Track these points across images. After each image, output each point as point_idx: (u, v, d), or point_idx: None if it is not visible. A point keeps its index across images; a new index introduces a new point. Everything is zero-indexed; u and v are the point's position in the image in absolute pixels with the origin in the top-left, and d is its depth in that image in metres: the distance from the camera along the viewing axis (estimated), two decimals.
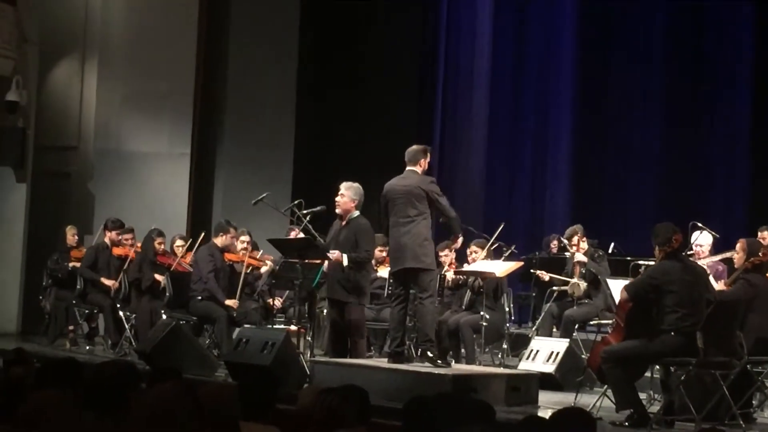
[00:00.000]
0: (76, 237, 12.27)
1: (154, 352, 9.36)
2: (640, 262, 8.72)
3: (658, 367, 7.87)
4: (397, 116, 15.35)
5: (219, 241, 10.77)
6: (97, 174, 13.93)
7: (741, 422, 7.25)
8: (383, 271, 10.70)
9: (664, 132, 14.78)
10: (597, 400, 7.82)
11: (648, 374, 8.10)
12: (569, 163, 15.43)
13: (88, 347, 11.67)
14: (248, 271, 10.97)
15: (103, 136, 13.98)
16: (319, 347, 10.32)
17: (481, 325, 9.78)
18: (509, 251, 10.74)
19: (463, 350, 10.16)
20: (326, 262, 8.97)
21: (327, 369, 8.50)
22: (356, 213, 8.96)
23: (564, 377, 9.35)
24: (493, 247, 10.63)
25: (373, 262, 10.37)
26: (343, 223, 8.97)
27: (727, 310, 7.55)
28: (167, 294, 10.87)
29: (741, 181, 14.30)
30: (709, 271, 8.76)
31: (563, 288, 10.66)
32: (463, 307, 10.41)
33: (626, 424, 7.30)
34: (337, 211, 9.01)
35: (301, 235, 9.27)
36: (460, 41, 15.91)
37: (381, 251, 10.79)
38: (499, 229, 10.58)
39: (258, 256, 11.16)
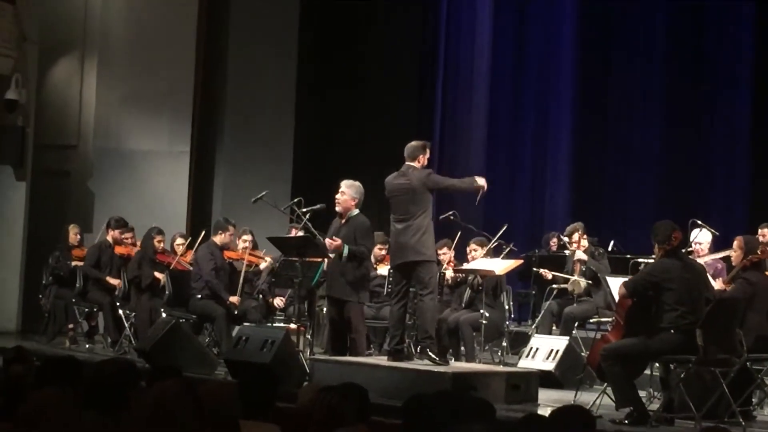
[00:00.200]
0: (79, 236, 12.27)
1: (154, 350, 9.37)
2: (640, 260, 8.73)
3: (657, 364, 7.88)
4: (396, 116, 15.34)
5: (218, 239, 10.78)
6: (97, 172, 13.94)
7: (741, 420, 7.25)
8: (383, 270, 10.71)
9: (664, 131, 14.77)
10: (597, 398, 7.82)
11: (648, 372, 8.10)
12: (569, 162, 15.43)
13: (87, 345, 11.68)
14: (249, 268, 10.98)
15: (102, 134, 13.98)
16: (319, 345, 10.33)
17: (480, 323, 9.78)
18: (508, 249, 10.74)
19: (462, 348, 10.16)
20: (326, 261, 8.97)
21: (326, 367, 8.51)
22: (356, 211, 8.97)
23: (564, 375, 9.36)
24: (494, 246, 10.64)
25: (373, 260, 10.38)
26: (343, 221, 8.98)
27: (727, 308, 7.55)
28: (167, 292, 10.87)
29: (741, 181, 14.29)
30: (708, 269, 8.77)
31: (563, 286, 10.67)
32: (463, 305, 10.41)
33: (626, 421, 7.30)
34: (337, 209, 9.01)
35: (301, 233, 9.28)
36: (460, 41, 15.90)
37: (380, 249, 10.80)
38: (502, 231, 10.58)
39: (258, 254, 11.17)
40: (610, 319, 9.08)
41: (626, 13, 15.04)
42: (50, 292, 12.07)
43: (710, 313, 7.38)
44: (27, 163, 13.40)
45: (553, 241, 13.05)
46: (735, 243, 8.10)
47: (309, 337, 9.53)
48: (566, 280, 10.54)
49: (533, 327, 10.91)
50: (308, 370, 8.64)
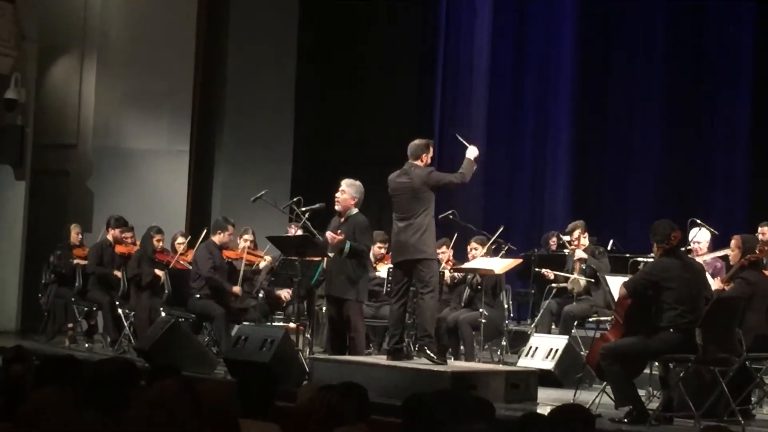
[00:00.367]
0: (80, 235, 12.27)
1: (153, 349, 9.37)
2: (639, 259, 8.73)
3: (657, 363, 7.88)
4: (396, 115, 15.35)
5: (217, 238, 10.78)
6: (96, 172, 13.94)
7: (740, 419, 7.25)
8: (382, 269, 10.72)
9: (664, 131, 14.77)
10: (596, 397, 7.82)
11: (647, 371, 8.10)
12: (569, 162, 15.43)
13: (87, 345, 11.68)
14: (248, 267, 10.99)
15: (102, 133, 13.98)
16: (318, 344, 10.33)
17: (480, 322, 9.79)
18: (506, 248, 10.75)
19: (462, 347, 10.17)
20: (325, 260, 8.96)
21: (326, 366, 8.51)
22: (355, 210, 8.98)
23: (563, 374, 9.36)
24: (493, 247, 10.64)
25: (372, 259, 10.39)
26: (342, 219, 8.98)
27: (726, 307, 7.56)
28: (166, 291, 10.88)
29: (740, 180, 14.29)
30: (708, 268, 8.77)
31: (562, 285, 10.68)
32: (462, 304, 10.42)
33: (625, 420, 7.30)
34: (337, 207, 9.02)
35: (300, 232, 9.28)
36: (460, 41, 15.90)
37: (380, 248, 10.81)
38: (499, 232, 10.59)
39: (255, 252, 11.17)
40: (609, 318, 9.09)
41: (626, 13, 15.04)
42: (50, 291, 12.07)
43: (709, 312, 7.38)
44: (26, 162, 13.40)
45: (553, 241, 13.06)
46: (732, 242, 8.10)
47: (308, 336, 9.54)
48: (567, 279, 10.54)
49: (532, 326, 10.92)
50: (307, 369, 8.64)
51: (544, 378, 8.89)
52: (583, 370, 8.72)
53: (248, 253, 10.99)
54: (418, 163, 8.45)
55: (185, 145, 14.11)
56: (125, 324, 11.14)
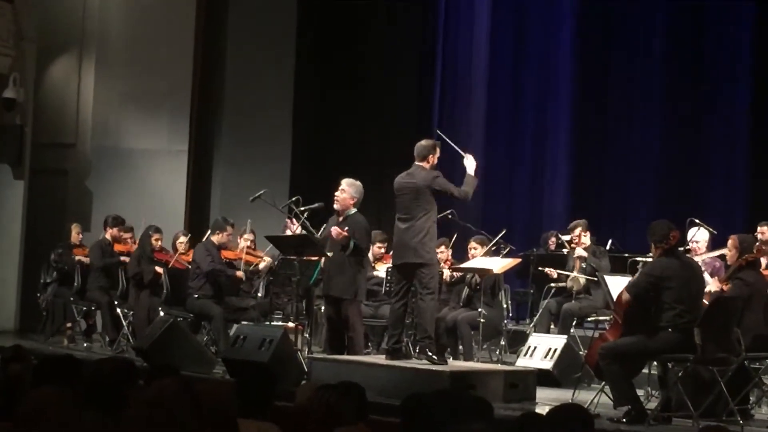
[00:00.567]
0: (81, 235, 12.27)
1: (152, 349, 9.36)
2: (638, 258, 8.73)
3: (655, 363, 7.88)
4: (395, 115, 15.35)
5: (216, 238, 10.79)
6: (95, 171, 13.93)
7: (739, 418, 7.25)
8: (381, 268, 10.72)
9: (664, 131, 14.77)
10: (595, 397, 7.82)
11: (646, 371, 8.10)
12: (568, 161, 15.43)
13: (85, 344, 11.68)
14: (248, 267, 10.99)
15: (100, 133, 13.98)
16: (317, 344, 10.33)
17: (478, 321, 9.78)
18: (507, 249, 10.75)
19: (460, 347, 10.16)
20: (323, 259, 8.94)
21: (325, 366, 8.50)
22: (353, 210, 8.97)
23: (562, 374, 9.36)
24: (493, 248, 10.64)
25: (371, 258, 10.38)
26: (340, 219, 8.98)
27: (725, 307, 7.56)
28: (165, 291, 10.87)
29: (740, 180, 14.29)
30: (707, 268, 8.78)
31: (561, 284, 10.68)
32: (461, 303, 10.41)
33: (624, 420, 7.30)
34: (335, 206, 9.01)
35: (299, 231, 9.28)
36: (459, 40, 15.89)
37: (379, 248, 10.81)
38: (501, 235, 10.59)
39: (258, 253, 11.17)
40: (608, 318, 9.09)
41: (626, 13, 15.04)
42: (50, 290, 12.07)
43: (708, 312, 7.38)
44: (25, 161, 13.40)
45: (552, 240, 13.06)
46: (729, 242, 8.09)
47: (307, 335, 9.53)
48: (561, 277, 10.55)
49: (531, 326, 10.92)
50: (306, 369, 8.64)
51: (542, 378, 8.89)
52: (582, 369, 8.72)
53: (247, 253, 10.99)
54: (424, 164, 8.42)
55: (184, 145, 14.11)
56: (124, 323, 11.14)
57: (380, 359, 8.66)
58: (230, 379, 8.42)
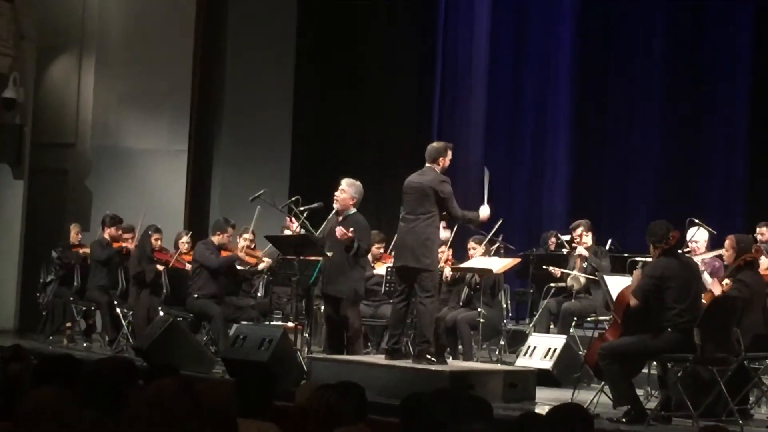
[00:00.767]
0: (80, 235, 12.27)
1: (152, 348, 9.36)
2: (638, 258, 8.73)
3: (655, 363, 7.88)
4: (395, 115, 15.35)
5: (216, 239, 10.79)
6: (95, 171, 13.94)
7: (738, 418, 7.26)
8: (380, 268, 10.72)
9: (663, 131, 14.76)
10: (594, 397, 7.82)
11: (645, 370, 8.11)
12: (568, 161, 15.42)
13: (85, 344, 11.68)
14: (247, 267, 11.00)
15: (100, 133, 13.98)
16: (317, 344, 10.33)
17: (478, 321, 9.79)
18: (503, 247, 10.74)
19: (460, 347, 10.16)
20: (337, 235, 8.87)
21: (324, 365, 8.51)
22: (353, 210, 8.97)
23: (561, 374, 9.36)
24: (494, 247, 10.63)
25: (370, 258, 10.38)
26: (340, 218, 8.97)
27: (724, 307, 7.56)
28: (164, 290, 10.87)
29: (739, 180, 14.28)
30: (706, 268, 8.78)
31: (561, 284, 10.68)
32: (461, 303, 10.41)
33: (623, 420, 7.30)
34: (335, 206, 9.01)
35: (299, 230, 9.28)
36: (459, 40, 15.89)
37: (378, 248, 10.80)
38: (497, 225, 10.58)
39: (258, 254, 11.17)
40: (607, 318, 9.09)
41: (626, 13, 15.03)
42: (50, 290, 12.07)
43: (708, 312, 7.39)
44: (24, 161, 13.41)
45: (552, 241, 13.05)
46: (727, 242, 8.09)
47: (307, 335, 9.53)
48: (565, 276, 10.55)
49: (531, 325, 10.92)
50: (306, 369, 8.64)
51: (542, 377, 8.89)
52: (582, 369, 8.72)
53: (247, 253, 10.99)
54: (435, 166, 8.40)
55: (184, 145, 14.11)
56: (123, 323, 11.14)
57: (380, 359, 8.66)
58: (230, 379, 8.42)
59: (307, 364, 8.71)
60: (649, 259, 7.82)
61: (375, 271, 10.74)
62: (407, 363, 8.31)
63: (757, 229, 10.38)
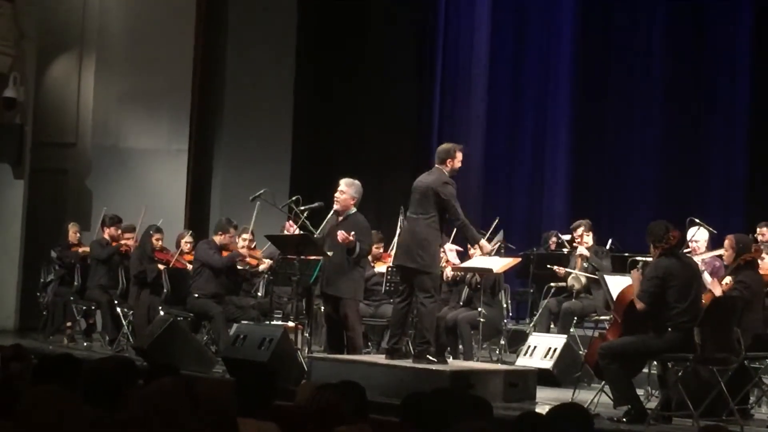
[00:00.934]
0: (78, 234, 12.27)
1: (152, 348, 9.37)
2: (638, 258, 8.72)
3: (655, 363, 7.88)
4: (395, 115, 15.35)
5: (218, 239, 10.79)
6: (95, 170, 13.94)
7: (738, 418, 7.25)
8: (380, 268, 10.72)
9: (663, 131, 14.76)
10: (595, 396, 7.82)
11: (645, 370, 8.10)
12: (568, 159, 15.42)
13: (85, 343, 11.68)
14: (248, 267, 11.00)
15: (100, 132, 13.98)
16: (317, 343, 10.33)
17: (478, 321, 9.78)
18: (499, 244, 10.73)
19: (460, 346, 10.16)
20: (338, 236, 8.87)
21: (324, 365, 8.50)
22: (354, 209, 8.97)
23: (562, 373, 9.36)
24: (495, 246, 10.63)
25: (370, 258, 10.38)
26: (340, 218, 8.97)
27: (724, 307, 7.56)
28: (165, 290, 10.87)
29: (739, 180, 14.28)
30: (707, 267, 8.77)
31: (561, 284, 10.67)
32: (461, 303, 10.41)
33: (624, 419, 7.30)
34: (336, 207, 9.00)
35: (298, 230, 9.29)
36: (459, 40, 15.90)
37: (377, 248, 10.80)
38: (494, 224, 10.59)
39: (258, 254, 11.17)
40: (608, 318, 9.09)
41: (626, 13, 15.04)
42: (50, 289, 12.08)
43: (708, 311, 7.38)
44: (25, 161, 13.41)
45: (553, 240, 13.06)
46: (726, 242, 8.09)
47: (307, 335, 9.53)
48: (569, 275, 10.55)
49: (531, 325, 10.92)
50: (306, 368, 8.64)
51: (542, 377, 8.89)
52: (582, 369, 8.72)
53: (248, 254, 10.98)
54: (443, 167, 8.35)
55: (184, 144, 14.11)
56: (124, 323, 11.14)
57: (380, 358, 8.66)
58: (230, 379, 8.42)
59: (308, 363, 8.71)
60: (650, 259, 7.81)
61: (375, 271, 10.74)
62: (407, 363, 8.30)
63: (758, 229, 10.38)
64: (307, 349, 9.26)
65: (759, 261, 8.41)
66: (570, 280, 10.50)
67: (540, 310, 10.79)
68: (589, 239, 10.61)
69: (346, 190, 8.95)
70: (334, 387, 4.26)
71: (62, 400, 3.56)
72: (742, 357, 7.47)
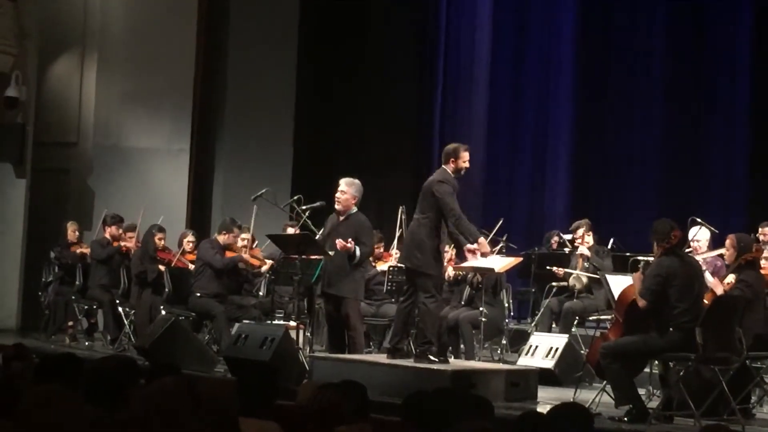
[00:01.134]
0: (77, 233, 12.28)
1: (153, 347, 9.37)
2: (639, 257, 8.72)
3: (657, 362, 7.88)
4: (397, 112, 15.35)
5: (221, 238, 10.79)
6: (97, 170, 13.95)
7: (740, 418, 7.25)
8: (382, 267, 10.72)
9: (664, 131, 14.77)
10: (596, 396, 7.82)
11: (647, 370, 8.10)
12: (569, 159, 15.43)
13: (87, 343, 11.68)
14: (250, 267, 11.01)
15: (102, 132, 13.99)
16: (319, 343, 10.33)
17: (480, 320, 9.78)
18: (504, 246, 10.73)
19: (462, 346, 10.16)
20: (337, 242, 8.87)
21: (326, 364, 8.50)
22: (355, 209, 8.97)
23: (563, 373, 9.36)
24: (497, 246, 10.63)
25: (371, 258, 10.39)
26: (341, 218, 8.97)
27: (726, 306, 7.56)
28: (166, 289, 10.88)
29: (740, 179, 14.28)
30: (708, 267, 8.77)
31: (563, 284, 10.67)
32: (462, 302, 10.42)
33: (625, 419, 7.30)
34: (337, 207, 9.00)
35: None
36: (460, 37, 15.91)
37: (378, 248, 10.80)
38: (497, 226, 10.59)
39: (259, 255, 11.17)
40: (609, 317, 9.09)
41: (627, 14, 15.04)
42: (52, 289, 12.08)
43: (710, 311, 7.38)
44: (27, 160, 13.41)
45: (555, 240, 13.06)
46: (727, 242, 8.09)
47: (308, 334, 9.53)
48: (568, 276, 10.55)
49: (533, 325, 10.91)
50: (308, 368, 8.64)
51: (544, 377, 8.88)
52: (583, 368, 8.72)
53: (251, 255, 10.99)
54: (447, 167, 8.36)
55: (185, 144, 14.12)
56: (125, 322, 11.14)
57: (382, 358, 8.66)
58: (232, 378, 8.43)
59: (309, 363, 8.71)
60: (651, 259, 7.81)
61: (377, 270, 10.74)
62: (409, 362, 8.30)
63: (760, 229, 10.36)
64: (308, 349, 9.26)
65: (761, 261, 8.41)
66: (571, 280, 10.50)
67: (541, 310, 10.79)
68: (590, 239, 10.61)
69: (347, 189, 8.95)
70: (336, 386, 4.26)
71: (63, 399, 3.56)
72: (744, 357, 7.48)
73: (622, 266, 9.86)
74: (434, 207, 8.21)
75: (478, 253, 8.30)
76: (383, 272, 10.65)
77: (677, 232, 7.52)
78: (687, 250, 8.81)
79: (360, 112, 15.32)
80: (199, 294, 10.52)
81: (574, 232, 10.80)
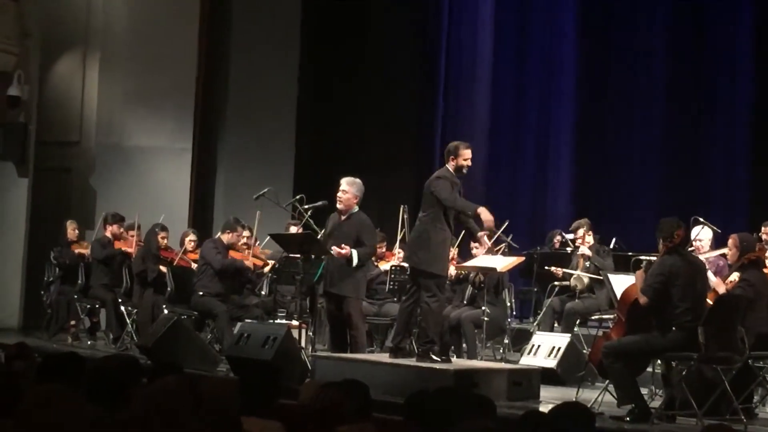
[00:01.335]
0: (77, 231, 12.29)
1: (156, 347, 9.37)
2: (642, 257, 8.71)
3: (659, 362, 7.87)
4: (398, 112, 15.35)
5: (225, 237, 10.79)
6: (99, 169, 13.95)
7: (742, 417, 7.25)
8: (384, 267, 10.72)
9: (666, 130, 14.76)
10: (598, 395, 7.82)
11: (649, 369, 8.10)
12: (571, 158, 15.42)
13: (89, 342, 11.69)
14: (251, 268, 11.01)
15: (104, 131, 13.99)
16: (321, 342, 10.33)
17: (482, 320, 9.77)
18: (505, 246, 10.72)
19: (464, 345, 10.16)
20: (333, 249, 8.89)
21: (328, 364, 8.51)
22: (356, 208, 8.98)
23: (565, 372, 9.35)
24: (500, 246, 10.62)
25: (373, 257, 10.38)
26: (343, 217, 8.97)
27: (728, 306, 7.55)
28: (169, 289, 10.88)
29: (742, 179, 14.27)
30: (711, 267, 8.75)
31: (565, 283, 10.66)
32: (465, 302, 10.41)
33: (628, 418, 7.30)
34: (339, 206, 9.01)
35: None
36: (462, 37, 15.90)
37: (380, 247, 10.80)
38: (503, 227, 10.57)
39: (261, 255, 11.18)
40: (611, 317, 9.08)
41: (627, 14, 15.03)
42: (54, 288, 12.09)
43: (712, 310, 7.38)
44: (29, 159, 13.42)
45: (557, 239, 13.05)
46: (730, 241, 8.08)
47: (311, 333, 9.54)
48: (568, 276, 10.54)
49: (535, 324, 10.91)
50: (310, 367, 8.64)
51: (546, 376, 8.89)
52: (586, 368, 8.71)
53: (254, 256, 10.99)
54: (448, 165, 8.38)
55: (188, 143, 14.12)
56: (128, 321, 11.15)
57: (384, 357, 8.66)
58: (234, 377, 8.43)
59: (311, 362, 8.71)
60: (653, 258, 7.81)
61: (380, 269, 10.74)
62: (411, 361, 8.31)
63: (762, 228, 10.34)
64: (310, 348, 9.26)
65: (765, 260, 8.40)
66: (573, 280, 10.50)
67: (544, 309, 10.78)
68: (590, 239, 10.60)
69: (348, 189, 8.96)
70: (338, 386, 4.26)
71: (64, 399, 3.56)
72: (746, 356, 7.47)
73: (624, 266, 9.85)
74: (434, 203, 8.24)
75: (486, 240, 8.29)
76: (385, 271, 10.66)
77: (681, 232, 7.52)
78: (689, 250, 8.80)
79: (362, 111, 15.32)
80: (201, 293, 10.52)
81: (574, 232, 10.79)
